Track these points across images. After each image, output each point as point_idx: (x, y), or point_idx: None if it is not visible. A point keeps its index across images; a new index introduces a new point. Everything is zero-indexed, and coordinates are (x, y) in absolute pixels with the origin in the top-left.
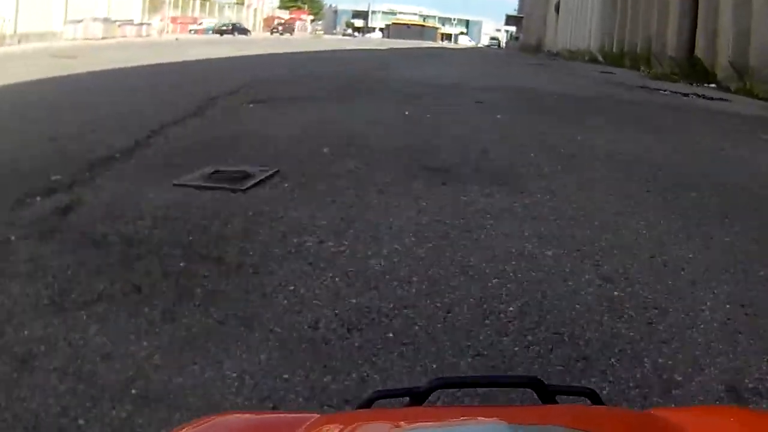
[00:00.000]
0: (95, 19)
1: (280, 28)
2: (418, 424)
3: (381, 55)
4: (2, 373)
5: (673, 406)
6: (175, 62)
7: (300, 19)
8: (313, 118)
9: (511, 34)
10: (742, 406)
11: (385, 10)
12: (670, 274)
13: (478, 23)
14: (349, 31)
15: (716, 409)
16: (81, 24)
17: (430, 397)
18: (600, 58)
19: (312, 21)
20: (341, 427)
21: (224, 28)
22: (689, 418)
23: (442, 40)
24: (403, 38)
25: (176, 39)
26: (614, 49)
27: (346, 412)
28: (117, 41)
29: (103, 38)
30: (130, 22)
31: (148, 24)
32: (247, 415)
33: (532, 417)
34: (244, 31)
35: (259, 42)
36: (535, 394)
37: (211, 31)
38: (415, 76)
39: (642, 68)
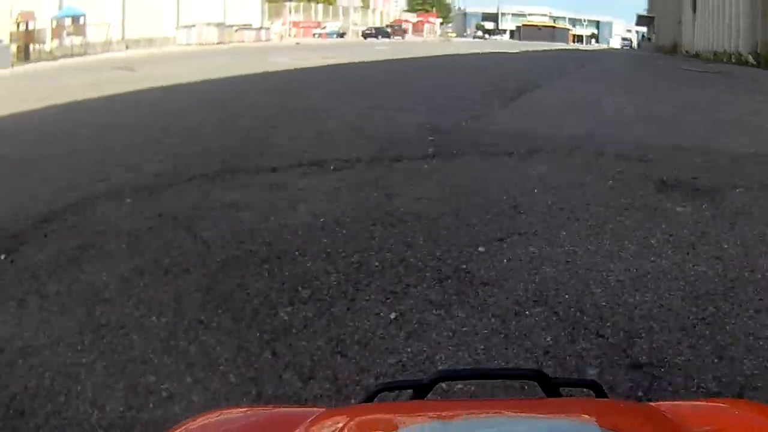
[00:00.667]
0: (209, 24)
1: (389, 30)
2: (421, 418)
3: (515, 63)
4: None
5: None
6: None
7: (428, 22)
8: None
9: (642, 35)
10: (743, 399)
11: (515, 12)
12: None
13: (609, 24)
14: (479, 33)
15: (718, 402)
16: (194, 29)
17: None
18: (752, 61)
19: (441, 24)
20: (345, 420)
21: (368, 32)
22: (691, 411)
23: (573, 41)
24: (535, 40)
25: (297, 43)
26: None
27: (349, 406)
28: (231, 46)
29: (218, 43)
30: (248, 27)
31: (267, 28)
32: (253, 409)
33: (537, 410)
34: (386, 35)
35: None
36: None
37: (335, 35)
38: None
39: None
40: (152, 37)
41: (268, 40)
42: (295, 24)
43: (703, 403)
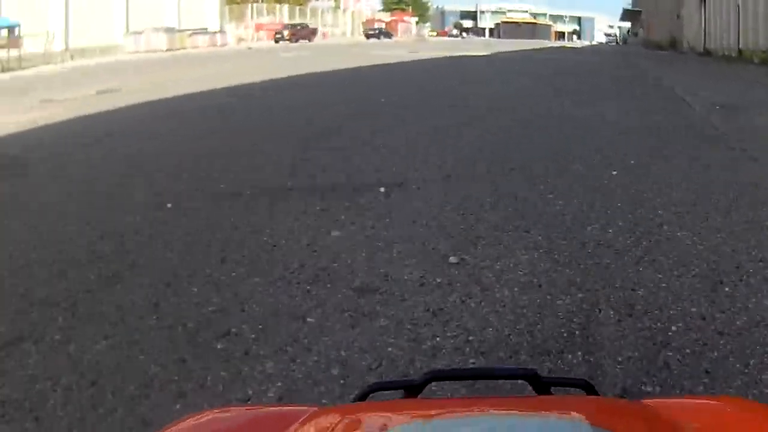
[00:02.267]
0: (156, 29)
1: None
2: (413, 417)
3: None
4: None
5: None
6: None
7: (403, 21)
8: None
9: (628, 31)
10: (734, 396)
11: (494, 9)
12: None
13: (591, 20)
14: (455, 32)
15: (709, 399)
16: (142, 35)
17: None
18: None
19: (417, 23)
20: (336, 419)
21: (371, 32)
22: (683, 408)
23: (556, 38)
24: (515, 37)
25: (248, 48)
26: None
27: (341, 405)
28: (183, 53)
29: (167, 50)
30: (202, 31)
31: (223, 32)
32: (244, 409)
33: (527, 408)
34: (388, 35)
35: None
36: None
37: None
38: None
39: None
40: (103, 46)
41: (224, 45)
42: (259, 26)
43: (695, 400)
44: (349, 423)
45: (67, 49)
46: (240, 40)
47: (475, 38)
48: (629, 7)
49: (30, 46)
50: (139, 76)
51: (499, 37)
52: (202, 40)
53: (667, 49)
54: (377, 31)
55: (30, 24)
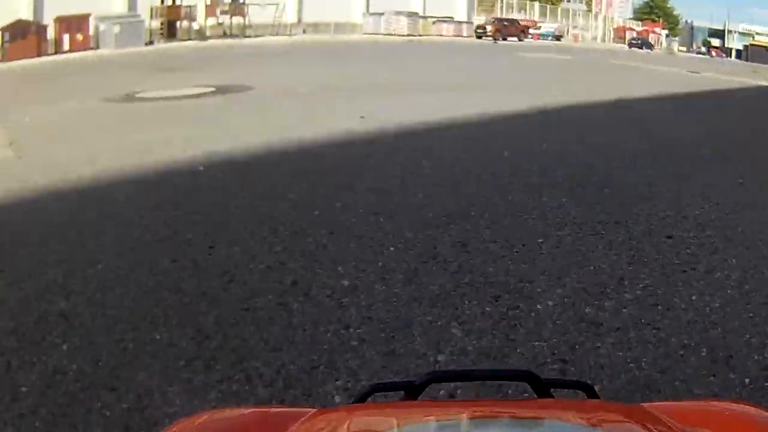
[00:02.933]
0: (398, 13)
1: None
2: (413, 420)
3: None
4: None
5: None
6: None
7: (654, 32)
8: None
9: None
10: (734, 399)
11: (741, 30)
12: None
13: None
14: (703, 49)
15: (710, 402)
16: (382, 17)
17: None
18: None
19: (667, 36)
20: (336, 421)
21: (634, 42)
22: (683, 411)
23: None
24: (763, 62)
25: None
26: None
27: (342, 406)
28: (419, 40)
29: (408, 35)
30: (449, 19)
31: (470, 23)
32: (244, 410)
33: (528, 411)
34: (650, 46)
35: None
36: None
37: (551, 37)
38: None
39: None
40: (337, 22)
41: (470, 35)
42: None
43: (695, 403)
44: (348, 425)
45: (299, 21)
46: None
47: (727, 59)
48: None
49: (259, 16)
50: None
51: (747, 59)
52: (446, 29)
53: None
54: (639, 41)
55: None
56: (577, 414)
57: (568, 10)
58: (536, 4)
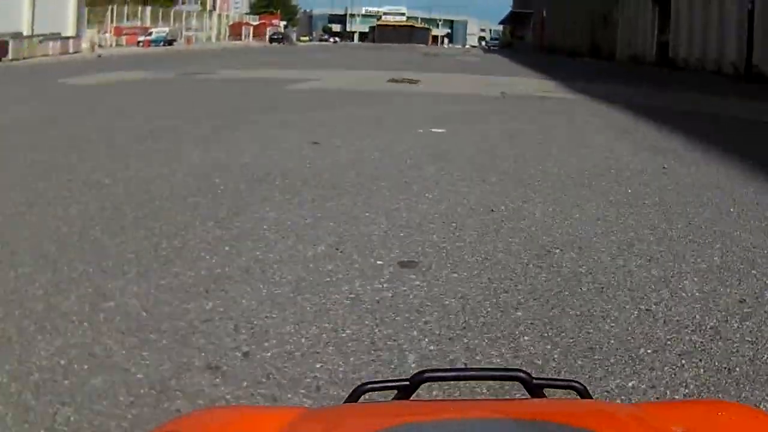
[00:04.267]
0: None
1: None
2: (404, 420)
3: None
4: None
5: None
6: None
7: (271, 25)
8: None
9: (512, 33)
10: (728, 401)
11: (365, 13)
12: None
13: (463, 23)
14: (326, 36)
15: (702, 403)
16: None
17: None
18: None
19: (285, 27)
20: (325, 420)
21: (275, 36)
22: (674, 412)
23: (432, 43)
24: (392, 41)
25: (99, 56)
26: None
27: (331, 406)
28: (24, 63)
29: (12, 59)
30: (55, 37)
31: (75, 38)
32: (232, 410)
33: (520, 411)
34: (289, 40)
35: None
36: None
37: (162, 42)
38: None
39: None
40: None
41: (77, 51)
42: (117, 31)
43: (686, 403)
44: (338, 425)
45: None
46: (93, 46)
47: (350, 43)
48: (513, 9)
49: None
50: None
51: (373, 41)
52: (52, 47)
53: (582, 56)
54: (280, 36)
55: None
56: (570, 415)
57: (182, 12)
58: (147, 9)
